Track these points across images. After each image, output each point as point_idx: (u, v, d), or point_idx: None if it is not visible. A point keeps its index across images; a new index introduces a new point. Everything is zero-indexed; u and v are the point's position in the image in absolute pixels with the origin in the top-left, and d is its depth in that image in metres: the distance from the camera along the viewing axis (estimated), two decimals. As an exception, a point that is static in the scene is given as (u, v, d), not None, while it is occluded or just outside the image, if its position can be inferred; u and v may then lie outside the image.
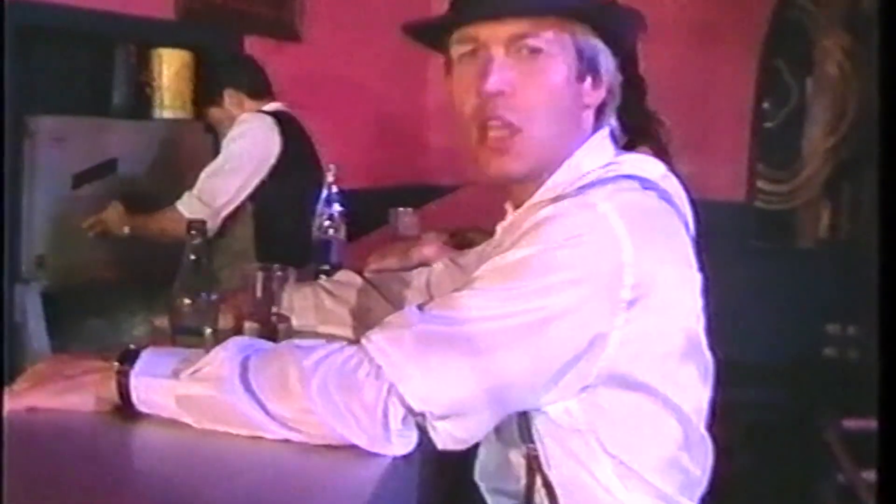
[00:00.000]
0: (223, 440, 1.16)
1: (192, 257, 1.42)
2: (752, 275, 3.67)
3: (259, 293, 1.50)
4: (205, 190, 2.93)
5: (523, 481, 1.28)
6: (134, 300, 2.93)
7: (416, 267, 1.88)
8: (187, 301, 1.42)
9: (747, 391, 3.10)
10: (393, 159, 4.35)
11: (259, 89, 3.13)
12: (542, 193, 1.30)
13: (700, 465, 1.30)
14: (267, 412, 1.14)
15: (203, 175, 2.95)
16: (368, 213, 2.55)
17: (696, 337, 1.27)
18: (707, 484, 1.32)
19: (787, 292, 3.74)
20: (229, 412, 1.15)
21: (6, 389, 1.21)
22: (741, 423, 3.12)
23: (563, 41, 1.26)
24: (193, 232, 1.42)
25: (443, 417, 1.12)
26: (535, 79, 1.26)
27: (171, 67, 3.33)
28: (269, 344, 1.29)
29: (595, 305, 1.14)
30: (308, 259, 2.07)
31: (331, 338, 1.65)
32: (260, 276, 1.51)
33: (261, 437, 1.15)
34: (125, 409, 1.20)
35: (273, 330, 1.49)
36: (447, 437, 1.14)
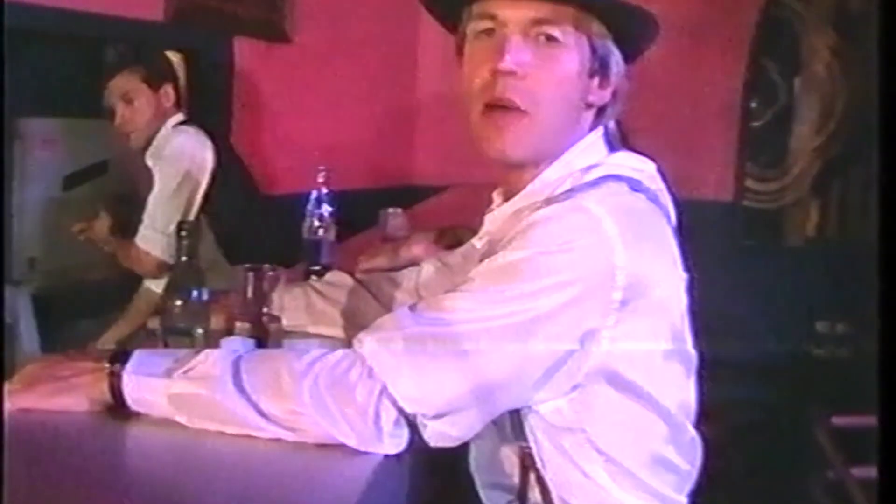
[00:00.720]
0: (215, 440, 1.16)
1: (184, 258, 1.42)
2: (740, 273, 3.67)
3: (250, 294, 1.49)
4: (156, 218, 2.82)
5: (517, 477, 1.29)
6: (125, 302, 2.92)
7: (405, 267, 1.88)
8: (178, 302, 1.42)
9: (737, 389, 3.11)
10: (382, 161, 4.35)
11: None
12: (532, 190, 1.31)
13: (688, 460, 1.31)
14: (259, 411, 1.14)
15: (150, 203, 2.84)
16: (358, 214, 2.56)
17: (681, 335, 1.28)
18: (697, 481, 1.34)
19: (776, 290, 3.74)
20: (221, 411, 1.15)
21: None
22: (731, 421, 3.13)
23: (579, 35, 1.28)
24: (184, 233, 1.42)
25: (434, 417, 1.13)
26: (548, 65, 1.27)
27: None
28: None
29: (586, 306, 1.15)
30: (275, 251, 2.05)
31: (322, 338, 1.66)
32: (250, 276, 1.51)
33: (252, 436, 1.16)
34: (118, 410, 1.21)
35: (264, 330, 1.49)
36: (438, 435, 1.15)
